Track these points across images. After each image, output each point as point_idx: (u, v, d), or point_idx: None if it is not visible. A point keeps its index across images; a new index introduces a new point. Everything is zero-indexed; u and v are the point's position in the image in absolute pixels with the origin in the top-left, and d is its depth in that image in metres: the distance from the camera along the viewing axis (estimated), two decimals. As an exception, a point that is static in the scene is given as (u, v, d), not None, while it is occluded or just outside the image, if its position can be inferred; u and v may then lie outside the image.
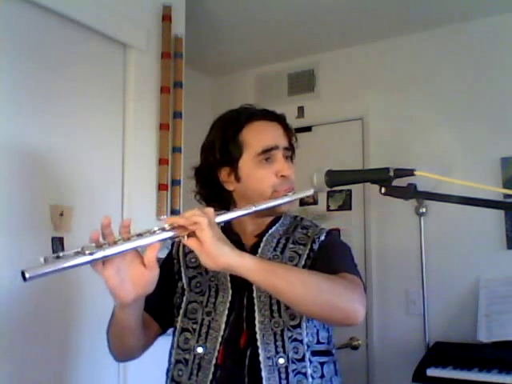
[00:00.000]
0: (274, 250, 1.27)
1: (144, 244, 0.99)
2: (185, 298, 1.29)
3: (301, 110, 3.44)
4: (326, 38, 3.20)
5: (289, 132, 1.33)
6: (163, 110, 2.36)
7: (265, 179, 1.25)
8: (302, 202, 3.32)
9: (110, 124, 2.20)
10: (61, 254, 0.90)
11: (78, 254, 0.92)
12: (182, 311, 1.28)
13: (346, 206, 3.24)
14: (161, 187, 2.31)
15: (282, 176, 1.26)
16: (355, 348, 3.02)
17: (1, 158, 1.77)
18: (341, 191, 3.23)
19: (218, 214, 1.07)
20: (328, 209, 3.28)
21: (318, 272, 1.12)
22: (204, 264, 1.01)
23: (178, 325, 1.28)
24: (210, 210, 1.04)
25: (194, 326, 1.24)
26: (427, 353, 2.65)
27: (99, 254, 0.93)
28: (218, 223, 1.05)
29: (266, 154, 1.25)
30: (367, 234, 3.16)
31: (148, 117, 2.32)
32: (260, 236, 1.29)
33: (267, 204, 1.15)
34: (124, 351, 1.26)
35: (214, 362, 1.19)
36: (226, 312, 1.22)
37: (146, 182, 2.29)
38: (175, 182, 2.35)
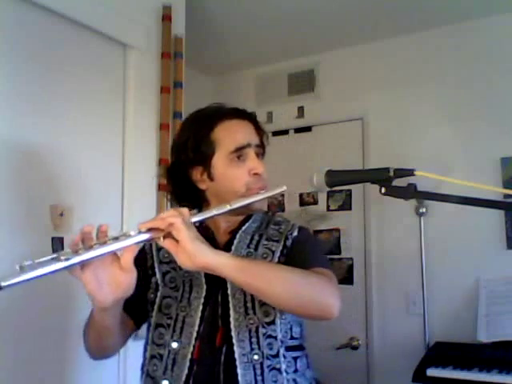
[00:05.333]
0: (248, 246, 1.28)
1: (119, 247, 0.99)
2: (159, 294, 1.29)
3: (301, 109, 3.44)
4: (326, 37, 3.20)
5: (260, 130, 1.33)
6: (163, 110, 2.36)
7: (238, 178, 1.25)
8: (303, 202, 3.32)
9: (110, 124, 2.20)
10: (36, 261, 0.91)
11: (53, 260, 0.92)
12: (156, 306, 1.28)
13: (346, 205, 3.24)
14: (161, 187, 2.31)
15: (255, 174, 1.26)
16: (355, 348, 3.01)
17: (1, 157, 1.77)
18: (341, 191, 3.24)
19: (193, 214, 1.08)
20: (328, 209, 3.28)
21: (294, 268, 1.13)
22: (181, 264, 1.02)
23: (153, 320, 1.28)
24: (185, 210, 1.05)
25: (169, 322, 1.25)
26: (427, 353, 2.65)
27: (75, 260, 0.94)
28: (194, 223, 1.06)
29: (239, 152, 1.26)
30: (367, 234, 3.16)
31: (148, 117, 2.32)
32: (233, 233, 1.30)
33: (242, 202, 1.16)
34: (101, 351, 1.27)
35: (189, 357, 1.19)
36: (201, 307, 1.23)
37: (146, 182, 2.29)
38: (175, 182, 2.35)
